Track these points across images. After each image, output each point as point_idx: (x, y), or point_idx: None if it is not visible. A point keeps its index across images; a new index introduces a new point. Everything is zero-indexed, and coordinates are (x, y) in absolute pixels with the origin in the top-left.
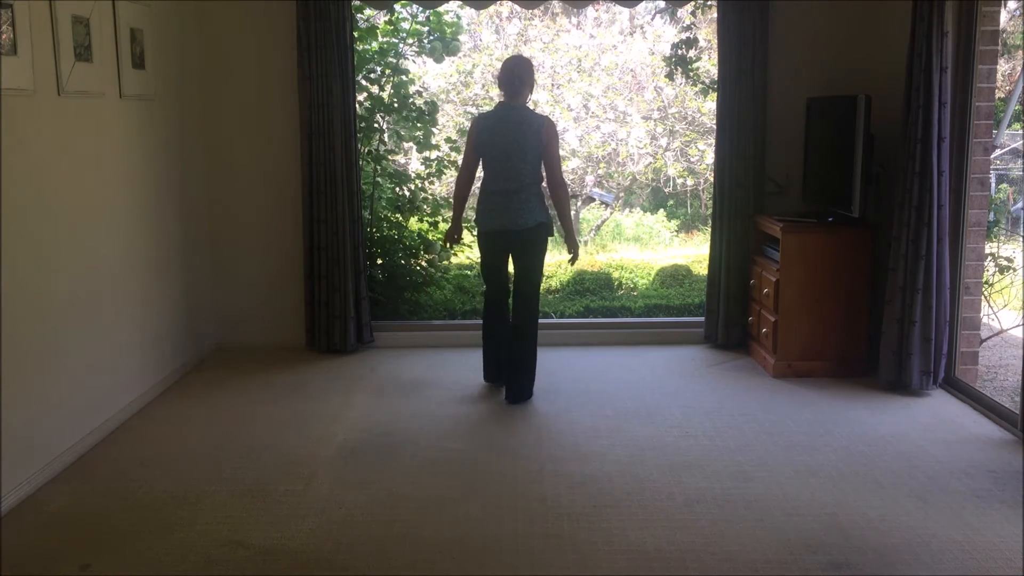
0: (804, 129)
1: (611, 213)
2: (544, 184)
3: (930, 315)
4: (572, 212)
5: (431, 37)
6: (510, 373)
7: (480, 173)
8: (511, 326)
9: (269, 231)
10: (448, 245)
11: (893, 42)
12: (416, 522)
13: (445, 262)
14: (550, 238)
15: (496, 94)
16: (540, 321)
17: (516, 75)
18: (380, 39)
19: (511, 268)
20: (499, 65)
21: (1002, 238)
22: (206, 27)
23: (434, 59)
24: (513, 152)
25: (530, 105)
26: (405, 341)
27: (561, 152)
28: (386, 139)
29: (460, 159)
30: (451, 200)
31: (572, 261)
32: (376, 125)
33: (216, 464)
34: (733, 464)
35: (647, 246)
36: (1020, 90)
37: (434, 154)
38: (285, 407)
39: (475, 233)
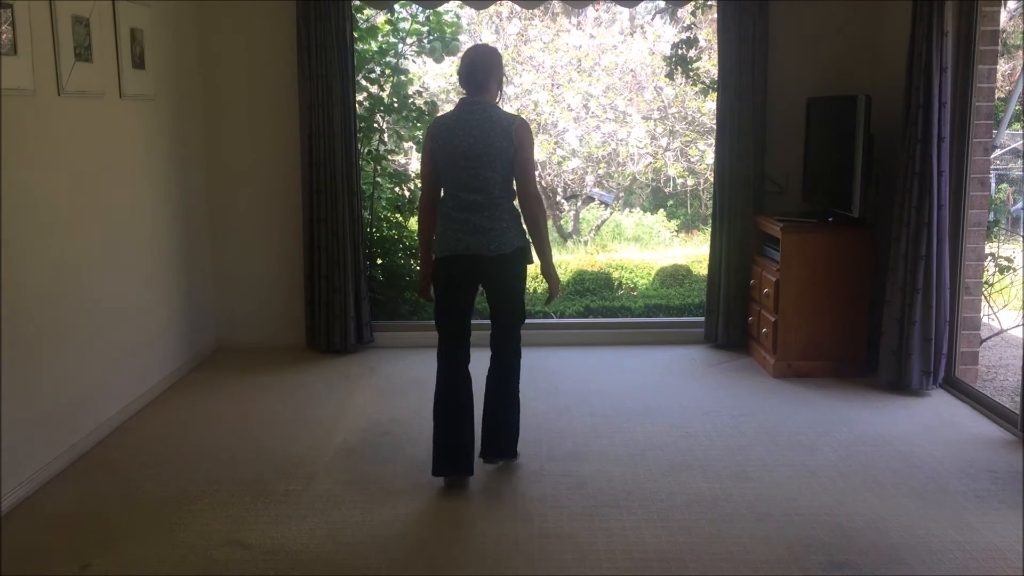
0: (804, 129)
1: (611, 213)
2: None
3: (930, 315)
4: (571, 212)
5: (431, 37)
6: (492, 424)
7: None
8: (492, 363)
9: (269, 231)
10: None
11: (893, 42)
12: (416, 522)
13: None
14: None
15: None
16: (541, 321)
17: (479, 67)
18: (380, 39)
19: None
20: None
21: (1002, 238)
22: (206, 27)
23: (434, 59)
24: (480, 156)
25: (529, 104)
26: (405, 341)
27: (561, 152)
28: (386, 139)
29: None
30: None
31: (549, 300)
32: (376, 125)
33: (216, 464)
34: (733, 464)
35: (647, 246)
36: (1020, 90)
37: None
38: (285, 407)
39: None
